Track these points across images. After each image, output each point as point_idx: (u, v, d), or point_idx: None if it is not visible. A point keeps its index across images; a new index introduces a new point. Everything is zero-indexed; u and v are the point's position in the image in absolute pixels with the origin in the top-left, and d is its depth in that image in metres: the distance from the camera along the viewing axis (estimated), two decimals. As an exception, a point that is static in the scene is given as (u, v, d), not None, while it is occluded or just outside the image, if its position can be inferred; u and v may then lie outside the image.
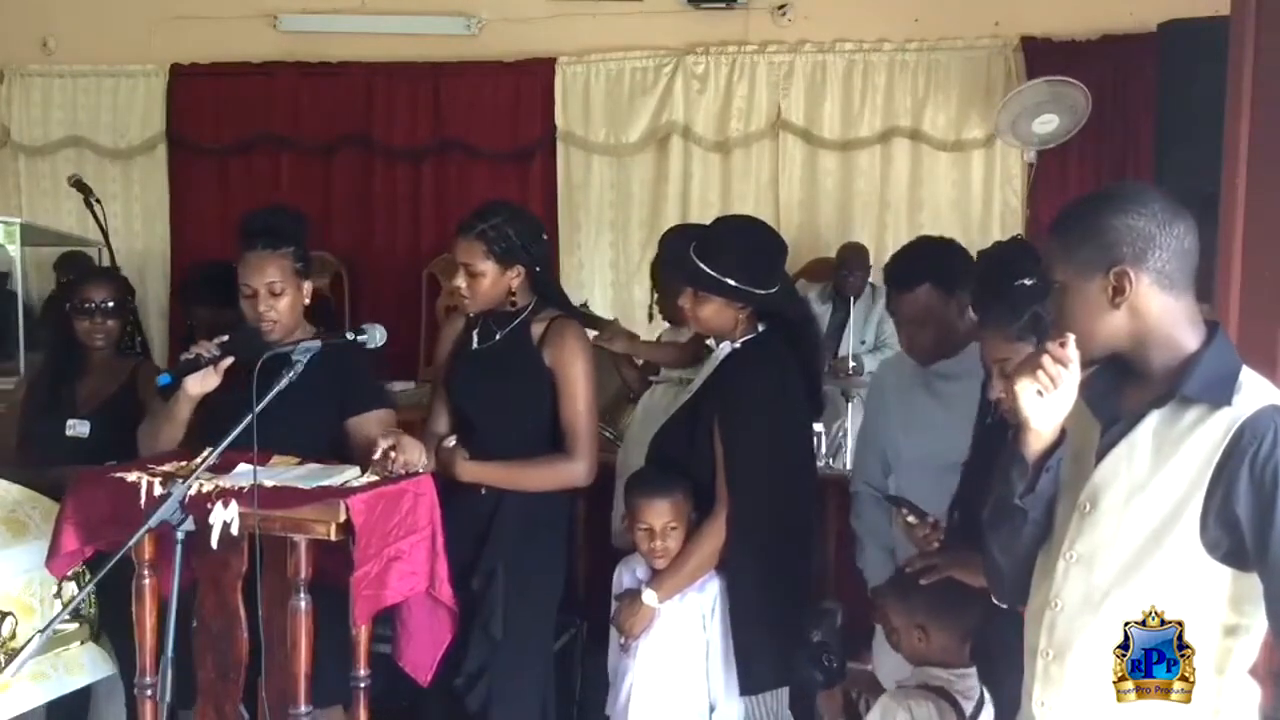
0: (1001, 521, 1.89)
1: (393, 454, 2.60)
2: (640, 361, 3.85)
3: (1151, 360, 1.80)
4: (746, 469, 2.83)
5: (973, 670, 2.52)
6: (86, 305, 3.36)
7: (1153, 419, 1.79)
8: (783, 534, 2.88)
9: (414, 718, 2.99)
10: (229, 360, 2.76)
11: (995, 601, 2.08)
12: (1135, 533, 1.78)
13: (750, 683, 2.84)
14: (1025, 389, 1.79)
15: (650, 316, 4.22)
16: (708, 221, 3.36)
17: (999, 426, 2.42)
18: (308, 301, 2.97)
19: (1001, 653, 2.42)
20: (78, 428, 3.28)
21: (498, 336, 2.99)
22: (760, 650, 2.83)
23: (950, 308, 2.95)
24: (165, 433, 2.84)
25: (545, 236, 3.06)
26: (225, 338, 2.81)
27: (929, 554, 2.48)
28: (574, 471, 2.94)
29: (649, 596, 2.85)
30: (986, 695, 2.51)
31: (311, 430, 2.81)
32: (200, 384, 2.79)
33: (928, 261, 3.02)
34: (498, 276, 2.91)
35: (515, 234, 2.90)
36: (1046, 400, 1.78)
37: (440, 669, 2.77)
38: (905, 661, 2.61)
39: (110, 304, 3.39)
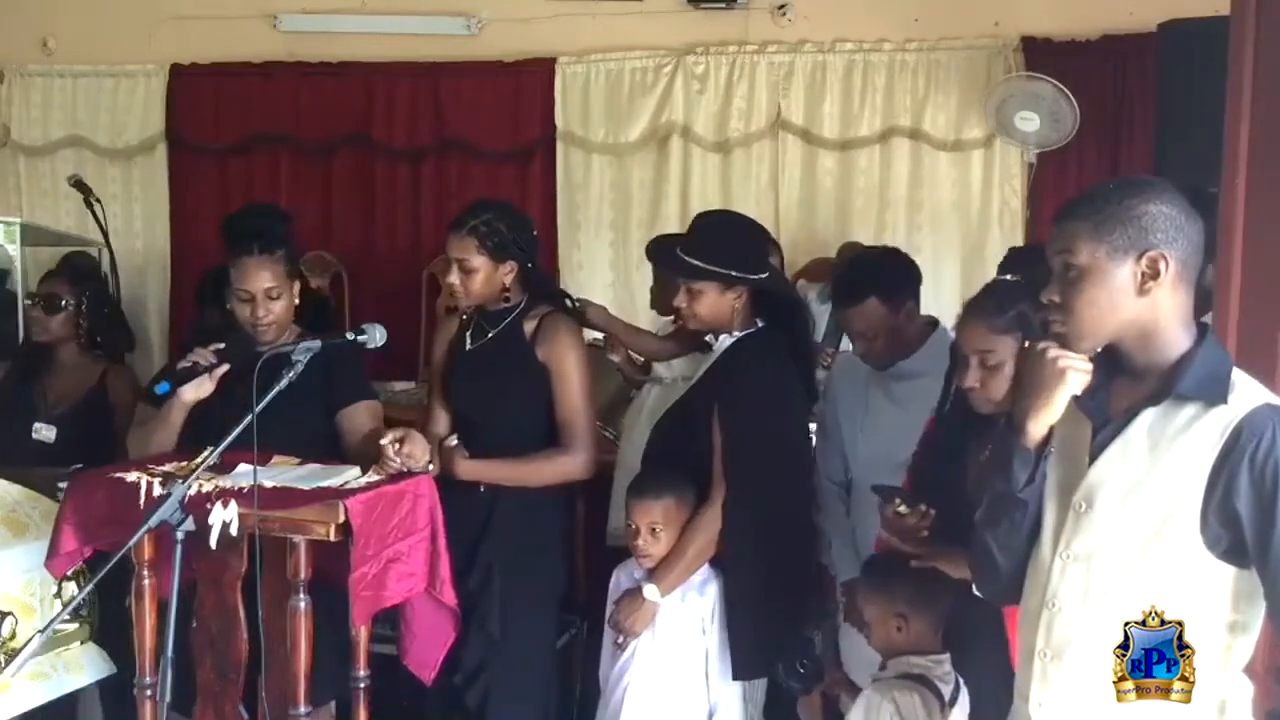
0: (1001, 517, 1.89)
1: (397, 445, 2.60)
2: (641, 361, 3.85)
3: (1149, 356, 1.80)
4: (744, 457, 2.84)
5: (947, 656, 2.53)
6: (29, 299, 3.36)
7: (1146, 417, 1.79)
8: (780, 524, 2.88)
9: (414, 717, 3.00)
10: (224, 368, 2.78)
11: (981, 597, 2.08)
12: (1134, 531, 1.78)
13: (739, 669, 2.84)
14: (1077, 383, 1.80)
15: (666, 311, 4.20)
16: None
17: (958, 416, 2.42)
18: (298, 301, 2.99)
19: (973, 639, 2.43)
20: (44, 431, 3.26)
21: (490, 335, 3.00)
22: (751, 637, 2.83)
23: (899, 317, 2.97)
24: (158, 437, 2.85)
25: (535, 233, 3.09)
26: (221, 345, 2.82)
27: (915, 542, 2.47)
28: (573, 464, 2.95)
29: (650, 591, 2.84)
30: (961, 681, 2.52)
31: (308, 428, 2.82)
32: (195, 391, 2.80)
33: (872, 275, 3.04)
34: (491, 271, 2.93)
35: (507, 229, 2.93)
36: None
37: (441, 667, 2.78)
38: (875, 654, 2.61)
39: (58, 300, 3.33)
